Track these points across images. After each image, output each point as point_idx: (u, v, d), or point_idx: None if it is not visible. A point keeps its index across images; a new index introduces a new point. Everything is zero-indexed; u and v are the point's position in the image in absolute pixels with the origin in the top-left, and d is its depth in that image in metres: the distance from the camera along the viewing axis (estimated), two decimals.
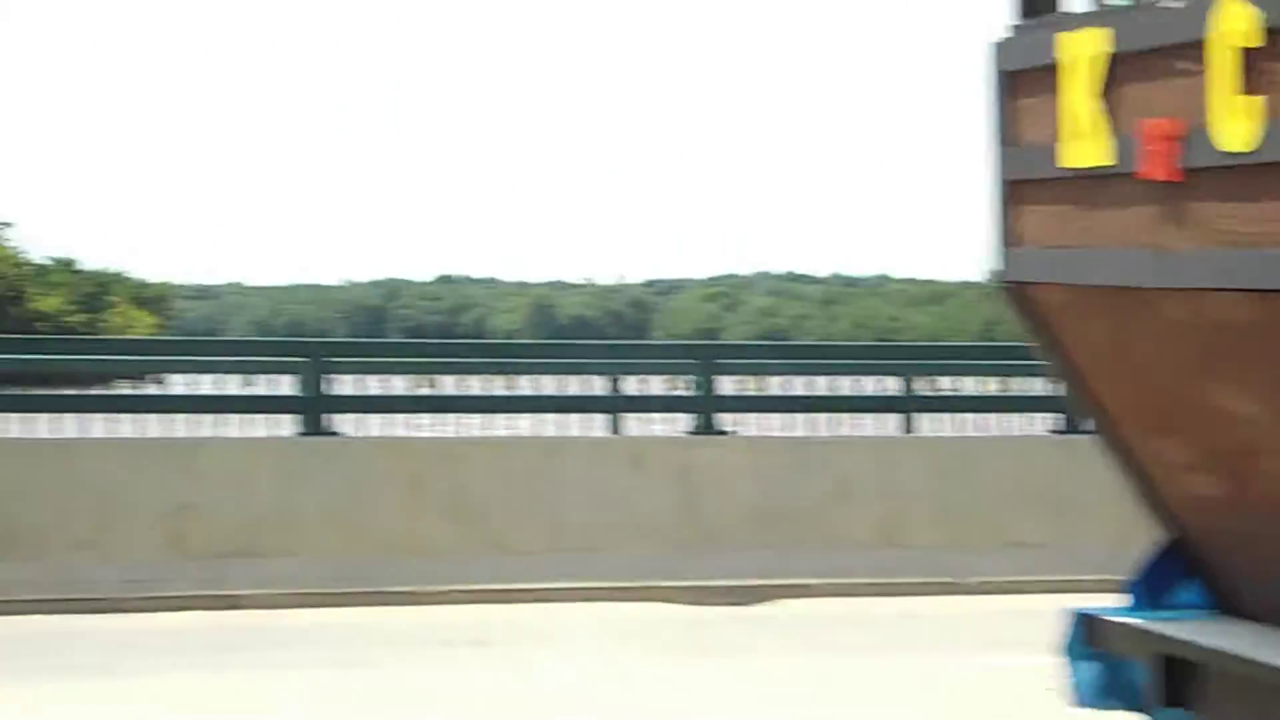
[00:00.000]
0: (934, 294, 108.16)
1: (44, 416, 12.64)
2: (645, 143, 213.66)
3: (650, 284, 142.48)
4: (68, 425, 12.72)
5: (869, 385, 14.03)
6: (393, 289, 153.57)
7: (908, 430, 13.74)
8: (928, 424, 14.16)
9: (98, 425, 12.63)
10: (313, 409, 12.63)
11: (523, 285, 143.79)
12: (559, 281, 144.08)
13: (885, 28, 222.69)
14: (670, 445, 13.05)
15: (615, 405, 13.59)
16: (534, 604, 11.47)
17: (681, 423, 13.64)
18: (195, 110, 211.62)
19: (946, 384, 15.00)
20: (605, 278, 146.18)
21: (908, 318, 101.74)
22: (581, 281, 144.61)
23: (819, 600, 11.77)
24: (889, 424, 13.96)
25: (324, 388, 12.72)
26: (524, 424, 13.63)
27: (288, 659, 9.54)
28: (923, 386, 14.43)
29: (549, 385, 13.52)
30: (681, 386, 14.06)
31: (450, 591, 11.49)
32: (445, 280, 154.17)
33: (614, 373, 13.69)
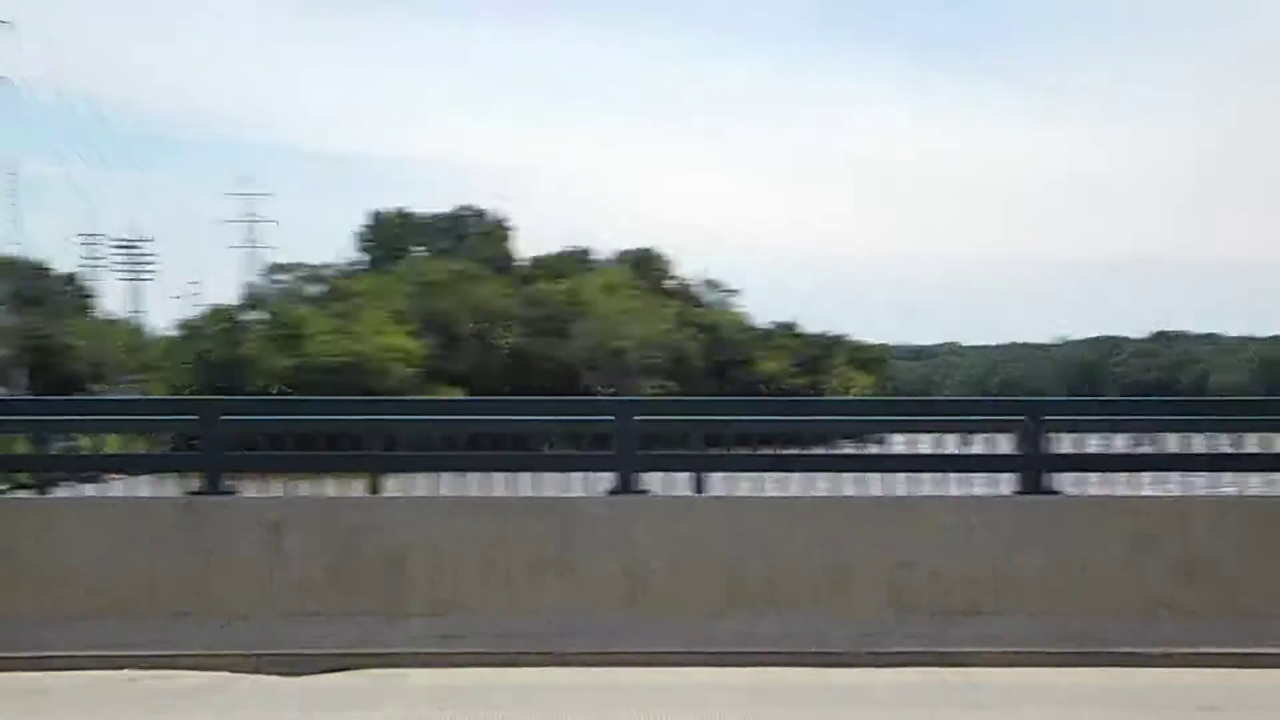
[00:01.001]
0: None
1: (769, 476, 13.11)
2: None
3: None
4: (792, 484, 13.16)
5: None
6: (1109, 346, 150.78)
7: None
8: None
9: (821, 484, 12.99)
10: (1031, 467, 12.56)
11: (1247, 340, 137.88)
12: None
13: None
14: None
15: None
16: (1272, 669, 10.92)
17: None
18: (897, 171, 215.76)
19: None
20: None
21: None
22: None
23: None
24: None
25: (1043, 446, 12.63)
26: (1254, 481, 13.05)
27: None
28: None
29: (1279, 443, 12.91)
30: None
31: (1177, 654, 11.12)
32: (1162, 336, 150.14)
33: None
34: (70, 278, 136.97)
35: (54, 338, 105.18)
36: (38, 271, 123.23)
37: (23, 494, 14.20)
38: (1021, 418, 12.90)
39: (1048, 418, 12.91)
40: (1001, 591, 11.57)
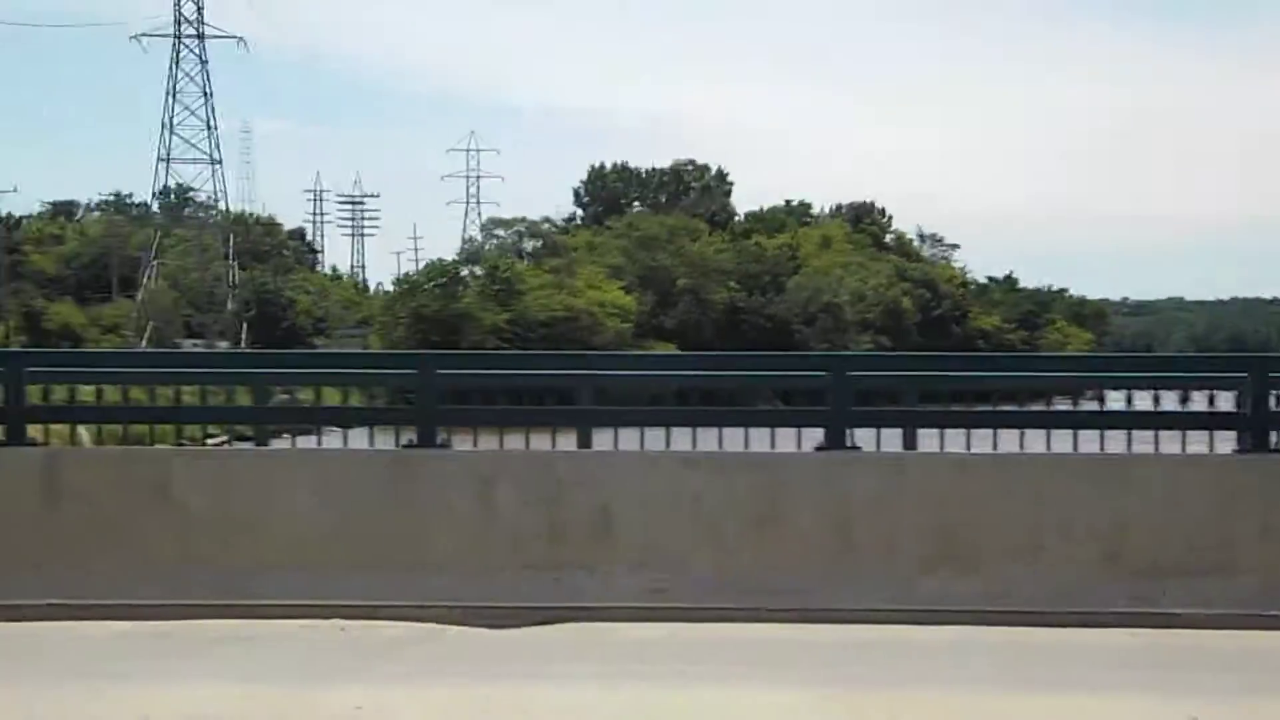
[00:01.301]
0: None
1: (981, 432, 12.88)
2: None
3: None
4: (1005, 440, 12.92)
5: None
6: None
7: None
8: None
9: (1036, 440, 12.74)
10: (1254, 426, 12.21)
11: None
12: None
13: None
14: None
15: None
16: None
17: None
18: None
19: None
20: None
21: None
22: None
23: None
24: None
25: (1267, 403, 12.27)
26: None
27: (1223, 682, 9.29)
28: None
29: None
30: None
31: None
32: None
33: None
34: (296, 233, 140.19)
35: (279, 292, 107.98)
36: (267, 227, 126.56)
37: (243, 445, 14.55)
38: (1245, 374, 12.55)
39: (1273, 374, 12.54)
40: (1218, 553, 11.28)
